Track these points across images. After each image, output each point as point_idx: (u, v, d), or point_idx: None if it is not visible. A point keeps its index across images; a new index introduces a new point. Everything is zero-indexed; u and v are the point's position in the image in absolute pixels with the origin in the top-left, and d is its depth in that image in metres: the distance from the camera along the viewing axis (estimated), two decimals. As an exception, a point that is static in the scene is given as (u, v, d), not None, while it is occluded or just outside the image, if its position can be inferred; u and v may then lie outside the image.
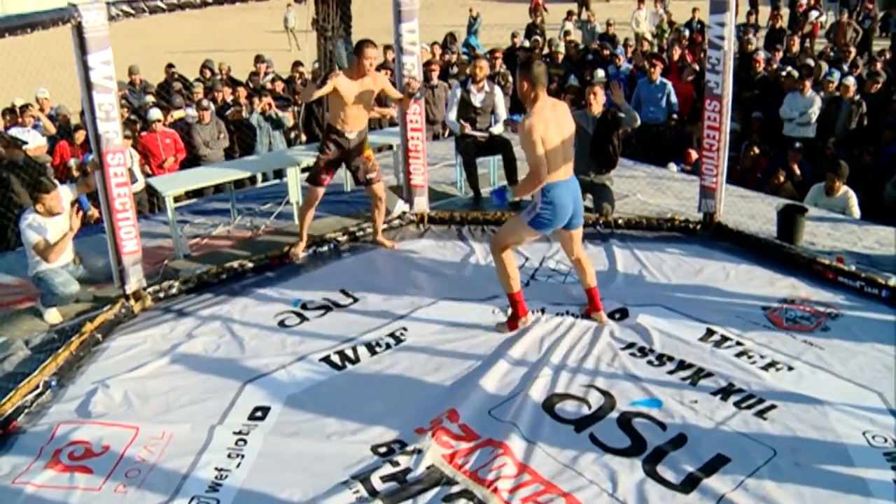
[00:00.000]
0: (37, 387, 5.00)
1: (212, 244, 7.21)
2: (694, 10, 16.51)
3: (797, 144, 9.08)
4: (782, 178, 8.61)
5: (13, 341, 5.64)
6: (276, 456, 4.30)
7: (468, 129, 7.65)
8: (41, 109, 10.51)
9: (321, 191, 6.68)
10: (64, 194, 5.97)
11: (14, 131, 9.64)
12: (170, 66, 12.91)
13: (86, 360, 5.39)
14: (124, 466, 4.27)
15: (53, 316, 6.00)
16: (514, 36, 15.54)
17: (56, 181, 6.14)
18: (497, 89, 7.91)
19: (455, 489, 3.99)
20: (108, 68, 5.59)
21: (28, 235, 5.84)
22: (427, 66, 11.29)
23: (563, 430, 4.41)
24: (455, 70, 12.32)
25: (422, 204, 7.50)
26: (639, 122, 7.39)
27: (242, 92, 11.14)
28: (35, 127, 9.80)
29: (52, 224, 5.90)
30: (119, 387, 5.01)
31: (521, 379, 4.89)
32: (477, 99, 7.74)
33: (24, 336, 5.73)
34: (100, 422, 4.66)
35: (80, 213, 5.97)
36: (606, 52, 13.24)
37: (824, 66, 11.22)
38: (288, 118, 9.94)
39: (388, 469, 4.14)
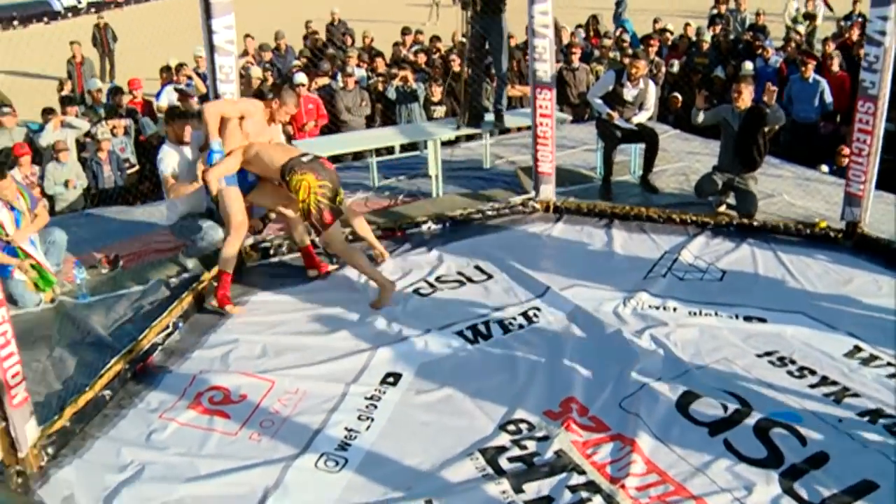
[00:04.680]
0: (167, 327, 5.30)
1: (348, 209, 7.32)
2: (855, 1, 15.59)
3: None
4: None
5: (162, 283, 5.96)
6: (404, 423, 4.37)
7: (616, 119, 7.48)
8: (197, 67, 10.91)
9: None
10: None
11: (167, 89, 10.09)
12: (314, 33, 13.20)
13: (238, 304, 5.67)
14: (259, 416, 4.44)
15: (195, 265, 6.25)
16: (655, 21, 15.10)
17: None
18: (651, 84, 7.66)
19: (582, 479, 3.95)
20: (229, 32, 5.81)
21: (162, 165, 6.07)
22: (568, 48, 11.16)
23: (696, 431, 4.29)
24: (597, 53, 12.09)
25: (548, 192, 7.32)
26: (784, 121, 7.08)
27: (380, 63, 11.28)
28: (187, 86, 10.19)
29: (183, 153, 6.11)
30: (258, 340, 5.19)
31: (654, 373, 4.78)
32: (630, 94, 7.53)
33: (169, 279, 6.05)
34: (238, 371, 4.85)
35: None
36: (758, 43, 12.70)
37: None
38: (422, 90, 9.98)
39: (515, 451, 4.15)
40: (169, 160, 6.04)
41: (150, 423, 4.43)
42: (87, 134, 8.96)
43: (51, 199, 8.08)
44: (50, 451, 4.26)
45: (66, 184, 8.20)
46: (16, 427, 4.10)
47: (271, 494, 3.85)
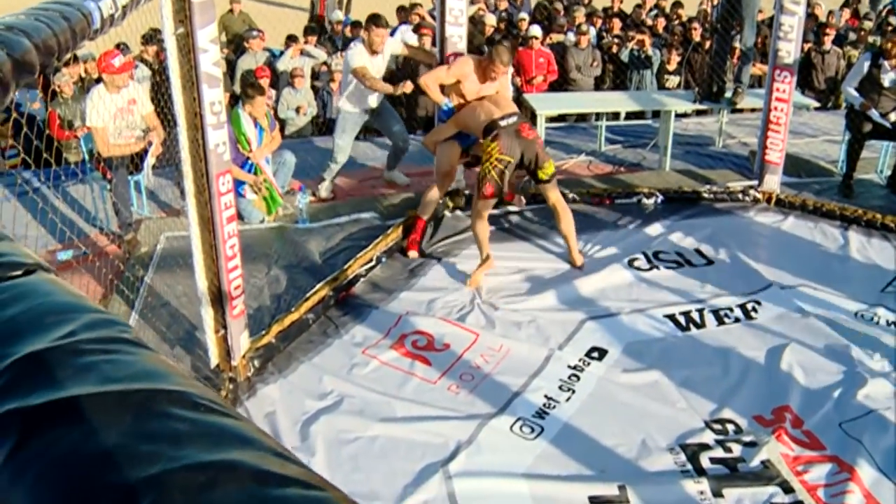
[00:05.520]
0: (370, 260, 5.43)
1: (570, 170, 7.18)
2: None
3: None
4: None
5: (378, 217, 6.15)
6: (605, 401, 4.20)
7: (871, 110, 6.80)
8: (433, 9, 10.94)
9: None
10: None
11: (402, 29, 10.20)
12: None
13: (449, 253, 5.71)
14: (460, 368, 4.41)
15: (328, 192, 6.62)
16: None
17: None
18: None
19: (789, 498, 3.64)
20: None
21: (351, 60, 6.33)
22: (821, 28, 10.30)
23: (929, 474, 3.86)
24: (853, 36, 11.10)
25: (773, 182, 6.75)
26: None
27: (616, 23, 10.89)
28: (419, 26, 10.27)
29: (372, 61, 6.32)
30: (466, 291, 5.17)
31: (884, 400, 4.31)
32: (887, 78, 6.81)
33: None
34: (444, 319, 4.85)
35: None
36: None
37: None
38: (657, 57, 9.54)
39: (719, 452, 3.89)
40: (358, 58, 6.23)
41: (353, 356, 4.52)
42: (324, 63, 9.25)
43: (282, 122, 8.41)
44: (256, 363, 4.46)
45: (297, 110, 8.51)
46: (232, 336, 4.30)
47: (463, 449, 3.81)
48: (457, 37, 5.95)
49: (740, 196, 6.74)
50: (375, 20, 6.30)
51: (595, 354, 4.58)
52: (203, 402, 0.54)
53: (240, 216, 5.89)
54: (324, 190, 6.60)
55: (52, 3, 1.94)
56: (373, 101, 6.46)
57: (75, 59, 7.51)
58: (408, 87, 6.26)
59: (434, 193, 5.78)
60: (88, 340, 0.59)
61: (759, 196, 6.72)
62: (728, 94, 7.42)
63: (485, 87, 5.61)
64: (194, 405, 0.54)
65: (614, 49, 9.85)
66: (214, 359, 4.32)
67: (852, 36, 11.20)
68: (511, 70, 8.77)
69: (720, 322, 4.99)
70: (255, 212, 6.09)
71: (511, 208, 6.35)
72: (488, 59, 5.54)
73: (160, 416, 0.52)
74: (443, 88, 5.75)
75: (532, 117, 6.96)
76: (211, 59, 3.80)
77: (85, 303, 0.65)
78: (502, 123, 5.25)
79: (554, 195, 5.47)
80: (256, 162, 6.03)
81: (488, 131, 5.26)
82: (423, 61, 6.67)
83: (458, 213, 6.22)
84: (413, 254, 5.65)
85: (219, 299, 4.22)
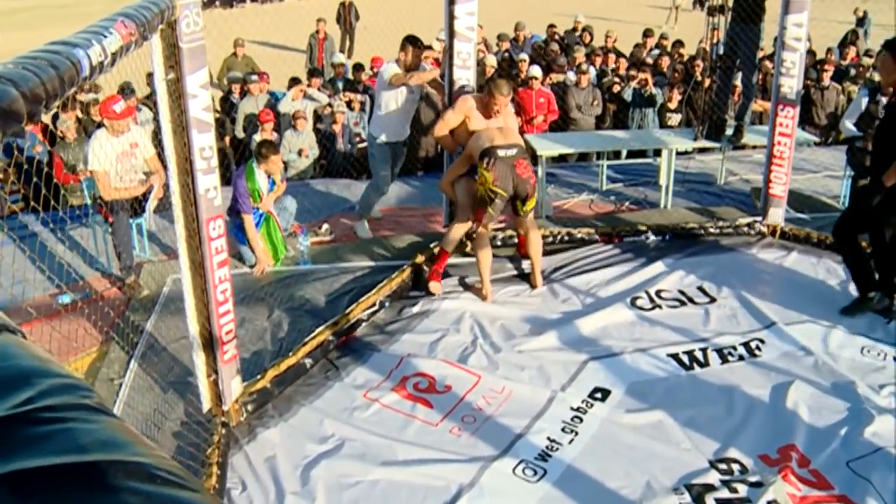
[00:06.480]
0: (373, 304, 5.37)
1: (572, 210, 7.18)
2: None
3: None
4: None
5: (383, 260, 6.11)
6: (609, 443, 4.16)
7: (870, 145, 6.81)
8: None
9: None
10: None
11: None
12: (551, 26, 13.03)
13: (451, 294, 5.66)
14: (462, 410, 4.37)
15: (365, 232, 6.62)
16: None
17: None
18: None
19: (797, 537, 3.59)
20: (471, 19, 5.86)
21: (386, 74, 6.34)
22: (819, 65, 10.36)
23: (940, 513, 3.80)
24: (853, 73, 11.16)
25: (777, 216, 6.74)
26: None
27: (622, 63, 10.96)
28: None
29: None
30: (468, 334, 5.15)
31: (893, 436, 4.28)
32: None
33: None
34: (446, 361, 4.81)
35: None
36: None
37: None
38: (660, 95, 9.60)
39: (724, 492, 3.85)
40: (392, 70, 6.26)
41: (354, 399, 4.49)
42: (328, 105, 9.29)
43: (284, 165, 8.44)
44: (249, 408, 4.42)
45: (299, 152, 8.55)
46: (223, 381, 4.26)
47: (465, 493, 3.77)
48: (465, 80, 5.99)
49: (745, 229, 6.73)
50: (413, 41, 6.33)
51: (598, 395, 4.53)
52: (160, 473, 0.53)
53: (241, 259, 5.92)
54: (361, 229, 6.61)
55: (41, 51, 1.96)
56: (403, 131, 6.53)
57: (67, 104, 7.53)
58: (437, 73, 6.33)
59: (460, 229, 5.77)
60: (46, 408, 0.57)
61: (764, 230, 6.71)
62: (729, 132, 7.44)
63: (491, 124, 5.65)
64: (150, 476, 0.52)
65: (616, 88, 9.90)
66: (206, 403, 4.28)
67: (852, 72, 11.25)
68: (512, 108, 8.85)
69: (724, 360, 4.95)
70: (251, 255, 6.06)
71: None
72: (488, 95, 5.58)
73: (113, 489, 0.50)
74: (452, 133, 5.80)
75: (533, 157, 6.98)
76: (201, 104, 3.81)
77: (49, 367, 0.64)
78: (500, 153, 5.29)
79: (529, 223, 5.67)
80: (266, 210, 6.04)
81: (485, 155, 5.29)
82: (435, 90, 6.71)
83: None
84: (435, 285, 5.63)
85: (210, 344, 4.19)
